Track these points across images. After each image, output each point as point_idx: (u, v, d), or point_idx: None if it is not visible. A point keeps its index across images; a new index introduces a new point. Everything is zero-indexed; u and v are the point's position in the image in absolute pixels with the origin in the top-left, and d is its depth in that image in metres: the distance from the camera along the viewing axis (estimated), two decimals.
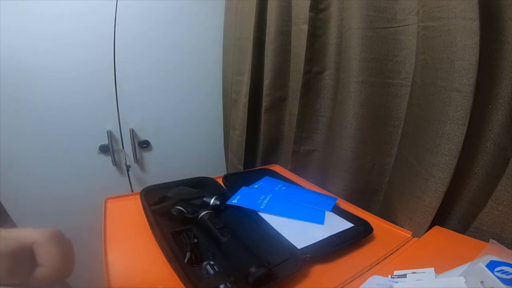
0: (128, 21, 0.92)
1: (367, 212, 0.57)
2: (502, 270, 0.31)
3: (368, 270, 0.40)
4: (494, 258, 0.33)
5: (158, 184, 0.63)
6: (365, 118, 0.60)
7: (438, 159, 0.46)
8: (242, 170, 0.91)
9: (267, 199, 0.58)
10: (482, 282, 0.28)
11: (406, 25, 0.54)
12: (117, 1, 0.89)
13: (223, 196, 0.57)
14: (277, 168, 0.82)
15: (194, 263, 0.40)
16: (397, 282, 0.35)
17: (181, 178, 0.65)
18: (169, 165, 1.10)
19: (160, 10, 0.97)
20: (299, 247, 0.43)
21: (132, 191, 1.05)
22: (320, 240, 0.45)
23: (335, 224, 0.50)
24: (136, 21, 0.94)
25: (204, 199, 0.54)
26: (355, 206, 0.60)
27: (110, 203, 0.59)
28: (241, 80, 0.92)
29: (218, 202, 0.53)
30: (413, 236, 0.50)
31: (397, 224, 0.53)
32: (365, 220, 0.51)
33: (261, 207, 0.55)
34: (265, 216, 0.53)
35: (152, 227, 0.48)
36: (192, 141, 1.14)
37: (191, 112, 1.11)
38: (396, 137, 0.60)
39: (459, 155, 0.44)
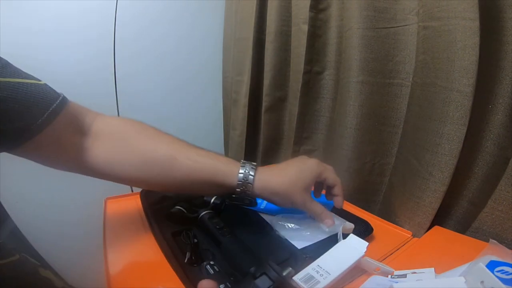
0: (128, 21, 0.92)
1: (367, 212, 0.57)
2: (502, 270, 0.31)
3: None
4: (494, 258, 0.33)
5: None
6: (365, 118, 0.60)
7: (438, 159, 0.46)
8: None
9: None
10: (482, 282, 0.28)
11: (406, 25, 0.54)
12: (117, 1, 0.89)
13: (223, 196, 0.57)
14: None
15: (194, 263, 0.40)
16: (397, 282, 0.35)
17: None
18: None
19: (159, 9, 0.97)
20: (299, 247, 0.43)
21: (132, 191, 1.05)
22: (320, 240, 0.45)
23: (335, 224, 0.50)
24: (136, 21, 0.94)
25: (204, 198, 0.54)
26: (355, 206, 0.60)
27: (110, 203, 0.59)
28: (241, 80, 0.92)
29: (218, 202, 0.53)
30: (413, 236, 0.50)
31: (397, 224, 0.53)
32: (365, 220, 0.51)
33: (261, 207, 0.55)
34: (265, 216, 0.53)
35: (152, 227, 0.48)
36: (192, 141, 1.13)
37: (190, 112, 1.11)
38: (396, 137, 0.60)
39: (459, 155, 0.44)
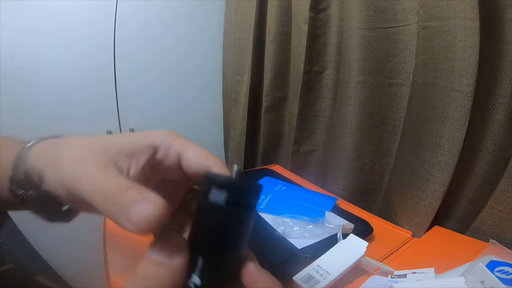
0: (128, 21, 0.92)
1: (367, 212, 0.57)
2: (502, 270, 0.31)
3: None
4: (494, 258, 0.33)
5: None
6: (365, 118, 0.60)
7: (438, 159, 0.46)
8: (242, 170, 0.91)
9: (267, 199, 0.58)
10: (482, 282, 0.28)
11: (406, 25, 0.54)
12: (116, 2, 0.89)
13: None
14: (277, 168, 0.82)
15: None
16: (397, 282, 0.35)
17: None
18: None
19: (160, 10, 0.97)
20: (299, 247, 0.43)
21: None
22: (320, 240, 0.45)
23: (335, 224, 0.50)
24: (136, 21, 0.94)
25: None
26: (355, 206, 0.60)
27: None
28: (241, 80, 0.92)
29: None
30: (413, 236, 0.50)
31: (397, 224, 0.53)
32: (365, 220, 0.52)
33: (261, 207, 0.55)
34: (266, 216, 0.53)
35: None
36: (192, 141, 1.14)
37: (191, 112, 1.11)
38: (396, 137, 0.60)
39: (459, 155, 0.44)
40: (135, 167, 0.20)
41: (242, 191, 0.19)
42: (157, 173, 0.22)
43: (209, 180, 0.19)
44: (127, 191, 0.17)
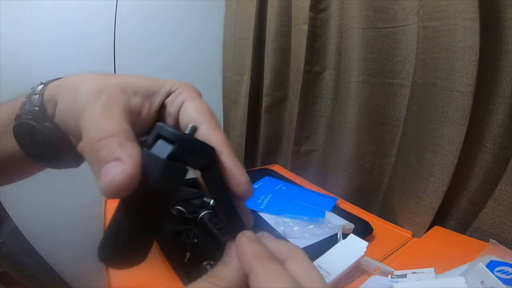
0: (128, 23, 0.92)
1: (367, 212, 0.57)
2: (502, 270, 0.31)
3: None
4: (494, 258, 0.33)
5: None
6: (365, 118, 0.60)
7: (438, 159, 0.46)
8: None
9: (267, 199, 0.58)
10: (482, 282, 0.28)
11: (406, 25, 0.54)
12: (117, 2, 0.89)
13: None
14: (277, 168, 0.82)
15: (194, 263, 0.40)
16: (397, 282, 0.35)
17: None
18: None
19: (159, 11, 0.97)
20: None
21: None
22: (320, 240, 0.45)
23: (335, 224, 0.50)
24: (136, 23, 0.94)
25: (204, 199, 0.54)
26: (355, 206, 0.60)
27: (110, 203, 0.59)
28: (241, 80, 0.92)
29: None
30: (413, 236, 0.50)
31: (397, 224, 0.53)
32: (365, 220, 0.52)
33: (261, 207, 0.55)
34: (266, 216, 0.53)
35: None
36: None
37: None
38: (396, 137, 0.60)
39: (459, 155, 0.44)
40: (148, 109, 0.20)
41: (190, 149, 0.17)
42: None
43: (157, 130, 0.17)
44: (108, 141, 0.16)
